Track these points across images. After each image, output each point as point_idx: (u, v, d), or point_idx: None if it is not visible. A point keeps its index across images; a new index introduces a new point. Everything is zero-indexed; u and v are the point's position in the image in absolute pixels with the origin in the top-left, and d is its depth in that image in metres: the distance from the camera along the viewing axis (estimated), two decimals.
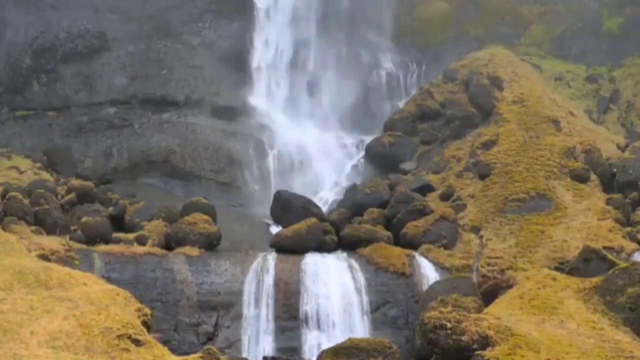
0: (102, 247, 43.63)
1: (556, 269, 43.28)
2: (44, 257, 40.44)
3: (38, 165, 54.10)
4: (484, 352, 35.43)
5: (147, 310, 36.63)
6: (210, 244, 45.22)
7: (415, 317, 40.94)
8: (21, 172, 52.46)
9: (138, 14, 62.29)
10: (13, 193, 45.53)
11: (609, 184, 51.10)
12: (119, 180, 57.48)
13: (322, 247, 46.04)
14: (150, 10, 62.53)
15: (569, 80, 65.07)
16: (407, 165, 55.76)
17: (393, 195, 49.48)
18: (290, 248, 45.41)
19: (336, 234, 47.05)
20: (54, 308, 33.98)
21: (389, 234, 46.96)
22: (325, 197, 56.63)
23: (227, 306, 42.90)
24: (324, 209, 51.38)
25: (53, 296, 34.89)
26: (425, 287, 43.51)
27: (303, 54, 66.02)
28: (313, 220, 46.68)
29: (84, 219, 45.46)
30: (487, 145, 53.01)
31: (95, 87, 60.64)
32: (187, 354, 37.46)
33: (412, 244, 46.44)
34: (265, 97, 63.57)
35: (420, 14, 69.96)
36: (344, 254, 45.62)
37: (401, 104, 62.00)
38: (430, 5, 70.19)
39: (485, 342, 35.88)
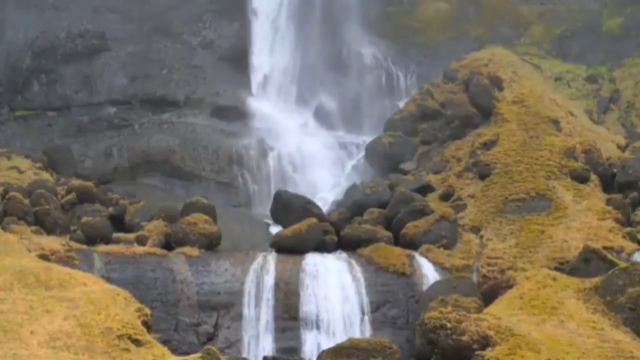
0: (102, 247, 43.57)
1: (556, 269, 43.27)
2: (44, 257, 40.40)
3: (38, 165, 54.04)
4: (484, 352, 35.44)
5: (147, 310, 36.59)
6: (210, 244, 45.15)
7: (415, 317, 40.93)
8: (21, 172, 52.41)
9: (138, 14, 62.28)
10: (13, 193, 45.50)
11: (609, 184, 51.01)
12: (119, 180, 57.43)
13: (322, 247, 45.98)
14: (150, 10, 62.53)
15: (569, 80, 65.03)
16: (407, 165, 55.71)
17: (393, 196, 49.41)
18: (290, 248, 45.35)
19: (336, 234, 46.99)
20: (54, 308, 33.96)
21: (389, 234, 46.92)
22: (325, 197, 56.55)
23: (227, 306, 42.87)
24: (324, 209, 51.27)
25: (53, 296, 34.87)
26: (425, 287, 43.48)
27: (303, 54, 66.04)
28: (313, 220, 46.62)
29: (84, 219, 45.42)
30: (487, 145, 52.96)
31: (95, 87, 60.61)
32: (187, 354, 37.44)
33: (412, 244, 46.41)
34: (265, 97, 63.61)
35: (420, 14, 69.92)
36: (344, 254, 45.56)
37: (401, 104, 61.94)
38: (430, 5, 70.15)
39: (485, 342, 35.90)
